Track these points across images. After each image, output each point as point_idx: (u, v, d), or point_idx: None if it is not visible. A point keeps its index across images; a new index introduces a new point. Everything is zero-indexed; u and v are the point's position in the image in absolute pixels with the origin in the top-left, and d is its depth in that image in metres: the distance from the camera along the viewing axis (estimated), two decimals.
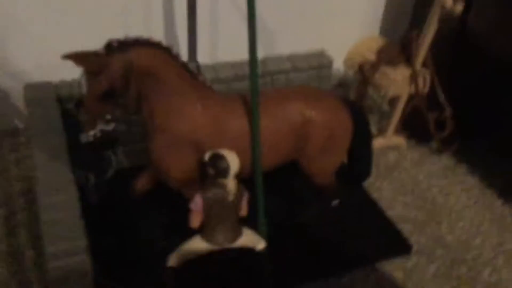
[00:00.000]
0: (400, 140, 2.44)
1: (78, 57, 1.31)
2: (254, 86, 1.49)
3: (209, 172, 1.45)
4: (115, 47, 1.35)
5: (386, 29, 2.78)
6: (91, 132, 1.38)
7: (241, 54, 2.26)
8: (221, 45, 2.55)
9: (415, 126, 2.44)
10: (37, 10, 2.10)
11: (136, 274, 1.67)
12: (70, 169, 1.53)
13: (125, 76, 1.36)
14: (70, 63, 2.10)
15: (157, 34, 2.35)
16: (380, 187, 2.19)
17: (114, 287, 1.59)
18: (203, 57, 2.23)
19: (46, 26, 2.13)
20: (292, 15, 2.54)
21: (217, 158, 1.43)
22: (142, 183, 1.73)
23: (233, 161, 1.44)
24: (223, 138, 1.54)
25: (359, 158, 1.81)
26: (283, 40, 2.58)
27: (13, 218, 1.95)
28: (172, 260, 1.57)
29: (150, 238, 1.78)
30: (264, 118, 1.55)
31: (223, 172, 1.43)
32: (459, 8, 1.96)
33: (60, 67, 2.01)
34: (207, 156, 1.46)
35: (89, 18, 2.16)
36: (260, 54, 2.22)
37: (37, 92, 1.87)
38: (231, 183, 1.46)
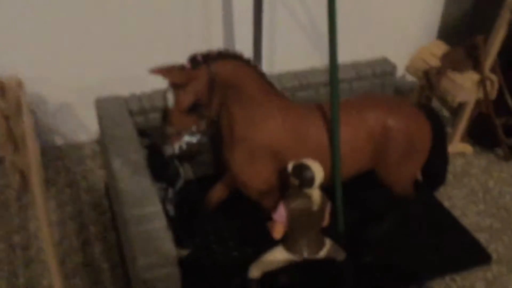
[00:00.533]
0: (466, 147, 2.38)
1: (165, 71, 1.32)
2: (335, 95, 1.48)
3: (293, 182, 1.44)
4: (200, 60, 1.36)
5: (444, 34, 2.73)
6: (177, 145, 1.39)
7: (300, 63, 2.28)
8: (279, 55, 2.56)
9: (480, 133, 2.38)
10: (104, 32, 2.16)
11: (213, 286, 1.67)
12: (151, 181, 1.54)
13: (210, 88, 1.37)
14: (132, 79, 2.17)
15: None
16: (451, 195, 2.15)
17: None
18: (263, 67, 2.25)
19: (112, 49, 2.19)
20: (350, 24, 2.53)
21: (302, 168, 1.42)
22: (217, 193, 1.74)
23: (318, 171, 1.42)
24: (302, 148, 1.53)
25: (436, 164, 1.77)
26: (342, 48, 2.57)
27: (85, 231, 1.97)
28: (254, 271, 1.56)
29: (226, 249, 1.78)
30: (343, 127, 1.53)
31: (309, 182, 1.42)
32: None
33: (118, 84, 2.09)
34: (290, 167, 1.45)
35: (150, 39, 2.21)
36: (323, 62, 2.23)
37: (109, 106, 1.90)
38: (315, 193, 1.45)
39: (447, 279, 1.79)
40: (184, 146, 1.40)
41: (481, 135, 2.39)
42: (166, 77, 1.32)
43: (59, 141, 2.41)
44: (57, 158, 2.33)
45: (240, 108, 1.46)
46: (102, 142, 1.84)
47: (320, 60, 2.46)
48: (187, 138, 1.40)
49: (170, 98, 1.35)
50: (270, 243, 1.54)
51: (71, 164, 2.31)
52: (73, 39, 2.15)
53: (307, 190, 1.43)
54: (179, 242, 1.56)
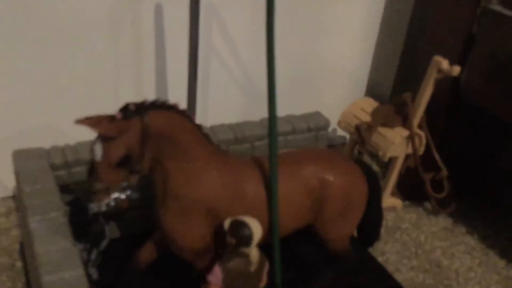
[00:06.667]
0: (396, 201, 2.41)
1: (93, 122, 1.22)
2: (273, 151, 1.43)
3: (230, 241, 1.36)
4: (132, 110, 1.27)
5: (370, 91, 2.82)
6: (105, 201, 1.27)
7: (233, 116, 2.25)
8: (211, 108, 2.52)
9: (408, 187, 2.42)
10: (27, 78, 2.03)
11: None
12: (72, 243, 1.40)
13: (142, 140, 1.28)
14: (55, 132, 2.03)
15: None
16: (384, 250, 2.14)
17: None
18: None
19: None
20: (283, 81, 2.55)
21: (239, 226, 1.34)
22: (146, 253, 1.61)
23: (256, 229, 1.35)
24: (239, 205, 1.46)
25: (371, 220, 1.75)
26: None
27: None
28: None
29: None
30: (281, 182, 1.48)
31: (246, 240, 1.34)
32: (457, 70, 2.00)
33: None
34: (227, 224, 1.37)
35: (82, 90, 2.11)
36: (258, 116, 2.21)
37: (28, 159, 1.75)
38: (253, 253, 1.37)
39: None
40: (112, 203, 1.28)
41: (410, 189, 2.43)
42: (95, 129, 1.22)
43: None
44: None
45: (174, 162, 1.38)
46: (19, 199, 1.68)
47: (253, 113, 2.45)
48: (116, 194, 1.28)
49: (98, 151, 1.25)
50: None
51: None
52: None
53: (245, 249, 1.35)
54: None
